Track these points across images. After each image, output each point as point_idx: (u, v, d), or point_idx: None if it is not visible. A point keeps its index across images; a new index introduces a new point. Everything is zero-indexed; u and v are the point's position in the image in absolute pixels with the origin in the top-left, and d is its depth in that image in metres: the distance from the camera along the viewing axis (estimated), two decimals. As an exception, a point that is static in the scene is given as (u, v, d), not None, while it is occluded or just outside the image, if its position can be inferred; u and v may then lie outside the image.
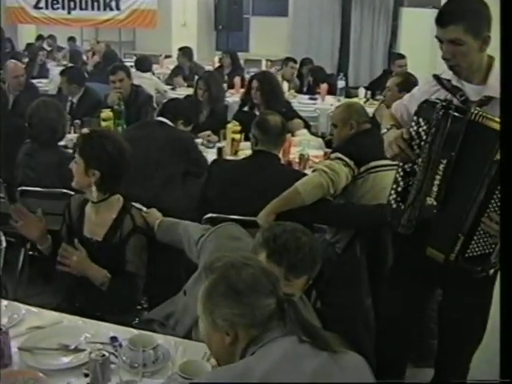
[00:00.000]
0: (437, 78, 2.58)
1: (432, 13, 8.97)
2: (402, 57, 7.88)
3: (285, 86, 7.66)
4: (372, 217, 3.24)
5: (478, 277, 2.37)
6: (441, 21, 2.41)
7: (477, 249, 2.31)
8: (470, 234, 2.29)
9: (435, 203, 2.37)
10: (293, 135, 5.10)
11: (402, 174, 2.53)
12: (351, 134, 3.70)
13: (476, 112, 2.26)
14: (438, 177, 2.33)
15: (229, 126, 5.07)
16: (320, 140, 5.36)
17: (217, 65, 9.64)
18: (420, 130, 2.42)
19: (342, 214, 3.38)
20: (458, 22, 2.35)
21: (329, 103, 7.64)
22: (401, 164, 2.54)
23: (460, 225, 2.30)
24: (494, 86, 2.37)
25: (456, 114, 2.30)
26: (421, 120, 2.41)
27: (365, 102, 7.21)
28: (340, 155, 3.38)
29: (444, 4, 2.47)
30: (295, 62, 8.93)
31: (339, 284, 3.37)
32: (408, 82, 4.80)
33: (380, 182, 3.39)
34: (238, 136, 4.95)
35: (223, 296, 1.77)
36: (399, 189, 2.53)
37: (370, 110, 5.07)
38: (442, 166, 2.32)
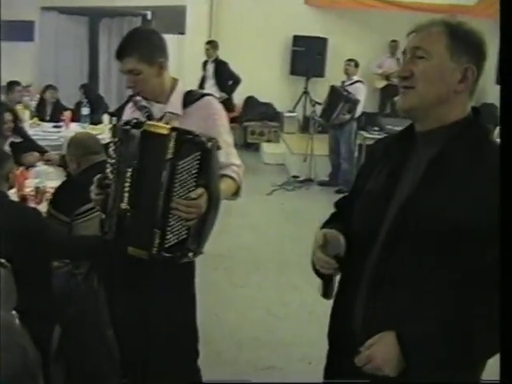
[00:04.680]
0: (133, 100, 2.89)
1: (177, 38, 9.40)
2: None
3: (26, 114, 7.45)
4: (90, 247, 3.26)
5: (179, 262, 2.57)
6: (118, 55, 2.72)
7: (173, 238, 2.49)
8: (164, 227, 2.49)
9: (128, 207, 2.55)
10: (27, 168, 4.98)
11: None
12: (79, 172, 3.55)
13: (147, 124, 2.55)
14: (127, 184, 2.53)
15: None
16: (61, 169, 5.26)
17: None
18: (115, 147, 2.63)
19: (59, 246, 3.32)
20: (131, 53, 2.68)
21: (74, 131, 7.52)
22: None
23: (153, 221, 2.50)
24: (174, 104, 2.79)
25: (132, 128, 2.53)
26: (116, 139, 2.61)
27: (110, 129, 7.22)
28: (52, 211, 3.45)
29: (121, 40, 2.77)
30: (18, 84, 8.55)
31: (81, 319, 3.35)
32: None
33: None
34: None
35: None
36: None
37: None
38: (128, 174, 2.52)
